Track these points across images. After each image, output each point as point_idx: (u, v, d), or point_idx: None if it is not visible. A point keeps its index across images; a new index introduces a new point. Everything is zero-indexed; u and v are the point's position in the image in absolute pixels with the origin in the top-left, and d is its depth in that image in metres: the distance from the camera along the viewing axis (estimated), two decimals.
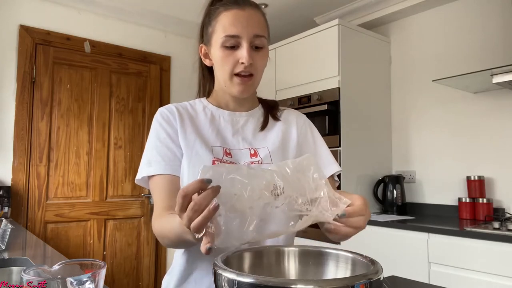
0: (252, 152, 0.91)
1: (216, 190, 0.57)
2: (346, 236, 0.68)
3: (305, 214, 0.62)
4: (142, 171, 0.88)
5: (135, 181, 0.91)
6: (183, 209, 0.59)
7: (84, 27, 2.85)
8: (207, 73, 1.00)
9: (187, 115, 0.93)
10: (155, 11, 3.03)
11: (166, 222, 0.78)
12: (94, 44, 2.88)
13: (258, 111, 0.99)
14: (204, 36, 0.93)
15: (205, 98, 0.99)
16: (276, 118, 0.99)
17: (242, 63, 0.84)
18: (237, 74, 0.86)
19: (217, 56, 0.88)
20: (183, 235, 0.68)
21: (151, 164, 0.87)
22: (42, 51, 2.68)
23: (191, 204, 0.57)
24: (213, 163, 0.85)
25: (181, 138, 0.89)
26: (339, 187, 0.95)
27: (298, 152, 0.97)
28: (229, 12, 0.85)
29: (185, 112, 0.94)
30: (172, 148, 0.88)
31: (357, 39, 2.61)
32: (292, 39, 2.79)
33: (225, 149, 0.89)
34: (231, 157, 0.88)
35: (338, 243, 0.79)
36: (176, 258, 0.92)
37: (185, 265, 0.88)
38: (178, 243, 0.77)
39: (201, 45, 0.94)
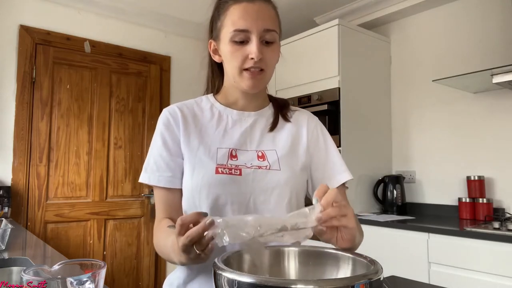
0: (260, 154, 0.89)
1: (210, 223, 0.60)
2: (344, 225, 0.66)
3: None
4: (141, 175, 0.90)
5: (140, 180, 0.92)
6: (180, 234, 0.64)
7: (84, 27, 2.85)
8: (216, 69, 0.97)
9: (192, 115, 0.91)
10: (155, 11, 3.03)
11: (161, 238, 0.82)
12: (94, 44, 2.88)
13: (268, 110, 0.96)
14: (213, 31, 0.91)
15: (212, 95, 0.97)
16: (287, 119, 0.96)
17: (252, 58, 0.82)
18: (247, 69, 0.84)
19: (226, 51, 0.86)
20: (170, 255, 0.74)
21: (146, 170, 0.89)
22: (42, 51, 2.68)
23: (186, 234, 0.62)
24: (216, 170, 0.84)
25: (184, 144, 0.88)
26: None
27: (308, 158, 0.94)
28: (239, 5, 0.83)
29: (190, 112, 0.92)
30: (165, 158, 0.87)
31: (357, 39, 2.61)
32: (292, 39, 2.79)
33: (231, 151, 0.87)
34: (237, 160, 0.86)
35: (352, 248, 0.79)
36: None
37: (190, 266, 0.87)
38: (167, 259, 0.81)
39: (210, 40, 0.92)
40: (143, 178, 0.88)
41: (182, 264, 0.71)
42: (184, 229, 0.63)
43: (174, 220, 0.85)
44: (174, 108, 0.92)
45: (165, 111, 0.92)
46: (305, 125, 0.97)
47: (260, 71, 0.85)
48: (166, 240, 0.77)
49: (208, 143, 0.88)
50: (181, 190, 0.88)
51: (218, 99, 0.95)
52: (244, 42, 0.83)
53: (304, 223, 0.63)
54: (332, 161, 0.95)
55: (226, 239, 0.60)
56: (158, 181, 0.86)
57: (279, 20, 0.90)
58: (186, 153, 0.87)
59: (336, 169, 0.94)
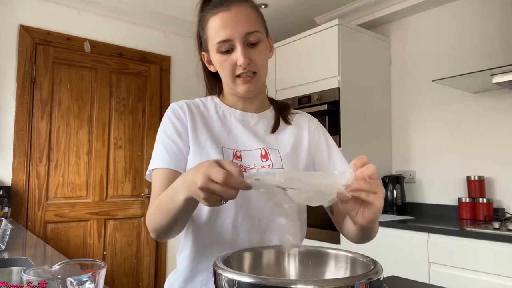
0: (263, 153, 0.89)
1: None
2: (372, 198, 0.62)
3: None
4: (151, 163, 0.87)
5: (146, 177, 0.90)
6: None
7: (84, 27, 2.85)
8: (212, 78, 0.99)
9: (199, 113, 0.92)
10: (155, 11, 3.03)
11: (163, 196, 0.76)
12: (94, 44, 2.88)
13: (269, 113, 0.98)
14: (202, 43, 0.93)
15: (217, 95, 0.98)
16: (287, 122, 0.98)
17: (240, 65, 0.83)
18: (239, 77, 0.85)
19: (216, 62, 0.88)
20: (176, 194, 0.68)
21: (156, 158, 0.87)
22: (42, 51, 2.68)
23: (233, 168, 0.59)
24: None
25: (191, 135, 0.88)
26: None
27: (310, 159, 0.95)
28: (216, 16, 0.84)
29: (197, 110, 0.93)
30: (178, 143, 0.87)
31: (357, 39, 2.61)
32: (292, 39, 2.79)
33: (236, 152, 0.88)
34: (241, 160, 0.87)
35: (362, 238, 0.78)
36: (180, 260, 0.91)
37: (191, 266, 0.88)
38: (180, 206, 0.71)
39: (202, 53, 0.94)
40: (153, 165, 0.85)
41: (188, 197, 0.66)
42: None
43: None
44: (182, 103, 0.93)
45: (173, 104, 0.93)
46: (306, 127, 0.98)
47: (253, 74, 0.86)
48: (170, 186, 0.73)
49: (214, 140, 0.89)
50: None
51: (221, 100, 0.97)
52: (230, 51, 0.84)
53: (331, 186, 0.61)
54: (335, 161, 0.97)
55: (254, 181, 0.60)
56: (168, 164, 0.84)
57: (261, 17, 0.90)
58: (193, 143, 0.87)
59: (338, 168, 0.95)
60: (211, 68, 0.93)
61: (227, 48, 0.84)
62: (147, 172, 0.88)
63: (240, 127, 0.92)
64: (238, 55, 0.83)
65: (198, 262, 0.87)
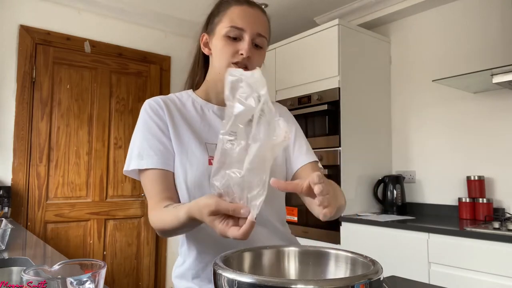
0: None
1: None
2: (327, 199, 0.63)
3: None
4: (132, 163, 0.87)
5: (123, 172, 0.90)
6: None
7: (84, 27, 2.85)
8: (201, 63, 1.01)
9: (175, 108, 0.94)
10: (155, 11, 3.03)
11: (167, 215, 0.78)
12: (94, 44, 2.88)
13: None
14: (209, 25, 0.96)
15: (192, 90, 1.00)
16: None
17: (241, 54, 0.87)
18: (234, 64, 0.88)
19: (217, 45, 0.90)
20: (189, 221, 0.71)
21: (142, 157, 0.87)
22: (42, 51, 2.68)
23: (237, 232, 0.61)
24: (209, 162, 0.86)
25: (172, 132, 0.89)
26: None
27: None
28: (240, 6, 0.90)
29: (173, 105, 0.94)
30: (164, 142, 0.88)
31: (357, 39, 2.61)
32: (292, 39, 2.79)
33: None
34: None
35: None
36: (186, 253, 0.92)
37: (199, 258, 0.89)
38: (183, 228, 0.77)
39: (203, 34, 0.97)
40: (140, 165, 0.86)
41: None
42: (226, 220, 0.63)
43: (173, 200, 0.84)
44: (158, 99, 0.94)
45: (149, 101, 0.94)
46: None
47: (245, 68, 0.88)
48: (176, 213, 0.74)
49: (196, 136, 0.90)
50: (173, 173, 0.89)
51: (198, 94, 0.99)
52: (236, 39, 0.89)
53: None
54: (300, 144, 1.01)
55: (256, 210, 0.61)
56: (157, 164, 0.86)
57: (270, 32, 0.97)
58: (175, 141, 0.88)
59: (303, 151, 0.99)
60: (205, 51, 0.96)
61: (235, 35, 0.88)
62: (128, 169, 0.88)
63: (219, 121, 0.94)
64: (244, 45, 0.88)
65: (206, 254, 0.88)
